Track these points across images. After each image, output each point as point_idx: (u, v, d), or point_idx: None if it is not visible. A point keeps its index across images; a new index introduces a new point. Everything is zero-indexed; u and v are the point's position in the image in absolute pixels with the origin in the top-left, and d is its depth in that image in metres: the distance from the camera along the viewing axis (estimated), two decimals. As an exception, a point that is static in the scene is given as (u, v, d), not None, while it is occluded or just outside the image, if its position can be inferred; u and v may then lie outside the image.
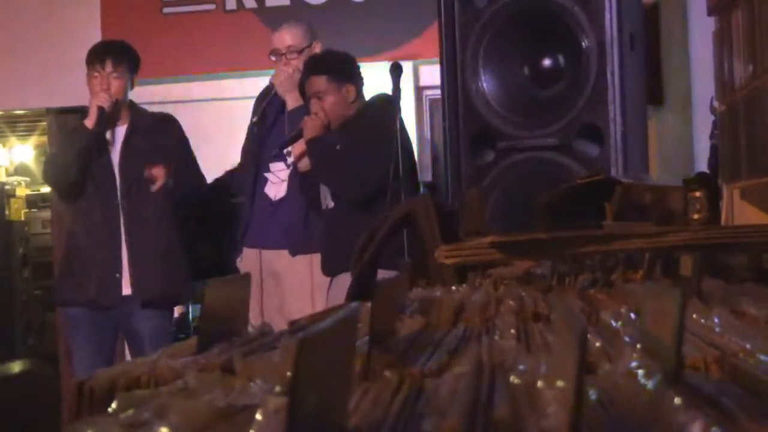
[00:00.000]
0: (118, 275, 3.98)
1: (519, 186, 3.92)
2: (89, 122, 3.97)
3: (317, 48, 4.24)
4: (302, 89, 4.13)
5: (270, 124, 4.26)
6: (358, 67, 4.09)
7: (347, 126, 3.96)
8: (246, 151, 4.29)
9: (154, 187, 3.96)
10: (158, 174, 3.97)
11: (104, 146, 4.04)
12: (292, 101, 4.15)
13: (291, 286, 4.11)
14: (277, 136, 4.19)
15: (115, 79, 4.02)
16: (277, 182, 4.21)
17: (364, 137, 3.88)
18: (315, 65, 4.01)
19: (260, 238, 4.19)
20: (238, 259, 4.27)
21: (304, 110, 4.11)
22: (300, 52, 4.20)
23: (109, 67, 4.02)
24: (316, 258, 4.03)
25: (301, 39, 4.24)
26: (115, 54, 4.05)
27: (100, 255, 3.99)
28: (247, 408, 0.86)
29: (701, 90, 4.53)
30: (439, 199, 3.82)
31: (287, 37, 4.25)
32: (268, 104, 4.26)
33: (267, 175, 4.22)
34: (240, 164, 4.32)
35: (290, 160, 4.17)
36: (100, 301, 3.98)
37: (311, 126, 3.95)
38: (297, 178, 4.11)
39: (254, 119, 4.22)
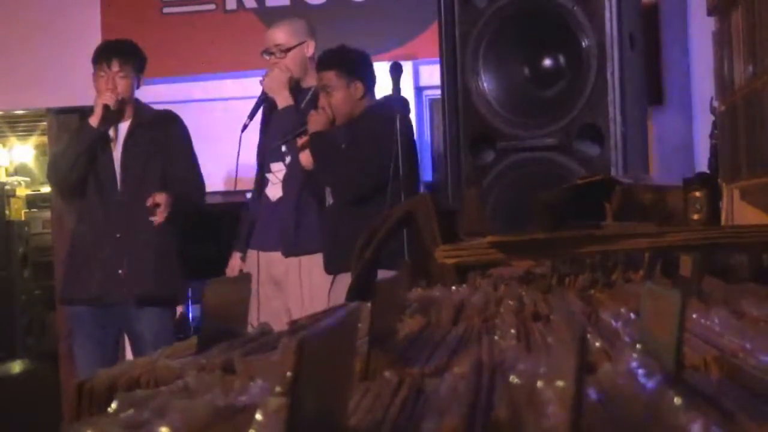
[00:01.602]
0: (120, 271, 3.99)
1: (519, 186, 3.92)
2: (94, 120, 3.98)
3: (309, 47, 4.22)
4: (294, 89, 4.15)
5: (266, 126, 4.26)
6: (371, 65, 4.08)
7: (353, 124, 3.96)
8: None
9: (156, 220, 3.94)
10: (160, 202, 3.94)
11: (107, 144, 4.05)
12: (282, 101, 4.15)
13: (288, 288, 4.11)
14: (274, 137, 4.19)
15: (121, 78, 4.03)
16: (276, 183, 4.20)
17: (368, 137, 3.88)
18: (325, 60, 4.01)
19: (260, 240, 4.19)
20: (243, 261, 4.26)
21: (293, 110, 4.11)
22: (287, 50, 4.19)
23: (115, 67, 4.03)
24: (309, 259, 4.02)
25: (289, 37, 4.21)
26: (121, 54, 4.06)
27: (102, 252, 4.00)
28: (247, 408, 0.86)
29: (701, 90, 4.53)
30: (439, 199, 3.82)
31: (276, 35, 4.24)
32: (263, 106, 4.25)
33: (268, 175, 4.22)
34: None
35: (288, 160, 4.16)
36: (105, 298, 3.99)
37: (315, 120, 3.95)
38: (299, 176, 4.10)
39: (245, 122, 4.21)
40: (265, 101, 4.24)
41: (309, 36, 4.26)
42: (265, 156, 4.23)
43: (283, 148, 4.16)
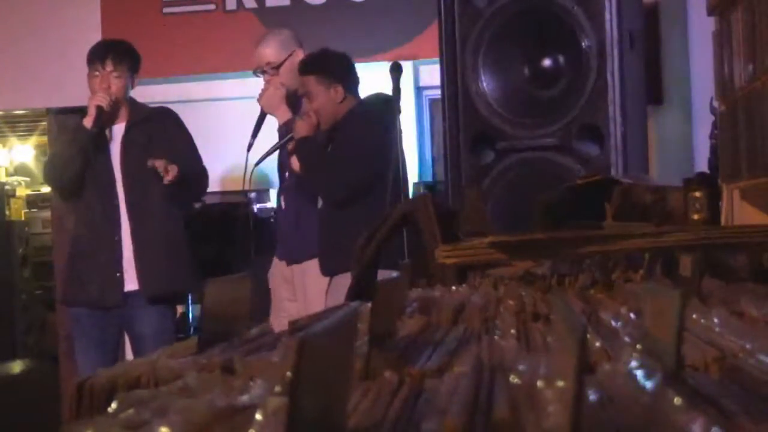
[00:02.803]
0: (119, 274, 3.98)
1: (519, 186, 3.92)
2: (87, 122, 3.97)
3: (298, 56, 4.22)
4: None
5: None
6: (351, 67, 4.07)
7: (337, 127, 3.97)
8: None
9: (167, 179, 3.90)
10: (165, 167, 3.92)
11: (103, 145, 4.04)
12: (281, 116, 4.16)
13: (295, 291, 4.12)
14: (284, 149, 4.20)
15: (115, 78, 4.02)
16: (284, 192, 4.22)
17: (350, 139, 3.89)
18: (305, 65, 4.03)
19: (278, 246, 4.21)
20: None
21: (293, 122, 4.12)
22: (278, 67, 4.19)
23: (109, 67, 4.02)
24: (307, 263, 4.03)
25: (276, 54, 4.21)
26: (115, 53, 4.05)
27: (101, 255, 3.99)
28: (247, 408, 0.86)
29: (701, 90, 4.53)
30: (439, 199, 3.82)
31: (264, 53, 4.24)
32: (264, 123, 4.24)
33: (283, 185, 4.24)
34: None
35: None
36: (104, 300, 3.98)
37: (301, 126, 3.98)
38: (296, 184, 4.11)
39: (250, 140, 4.20)
40: (265, 118, 4.23)
41: (297, 45, 4.26)
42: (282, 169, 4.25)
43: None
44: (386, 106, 3.82)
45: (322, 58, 4.03)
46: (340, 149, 3.91)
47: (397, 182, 3.67)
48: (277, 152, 4.24)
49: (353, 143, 3.86)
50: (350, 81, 4.03)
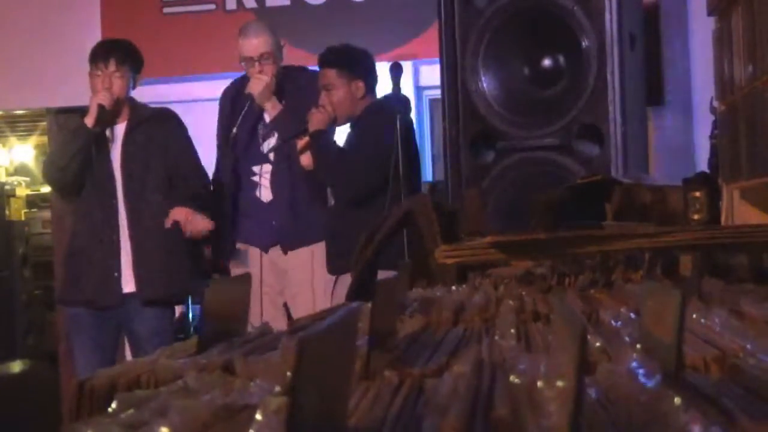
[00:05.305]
0: (116, 275, 3.97)
1: (519, 186, 3.92)
2: (89, 120, 3.96)
3: (285, 47, 4.21)
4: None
5: (249, 131, 4.20)
6: (373, 65, 4.05)
7: (354, 123, 3.96)
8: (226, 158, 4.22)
9: (168, 223, 3.94)
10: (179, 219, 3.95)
11: (104, 145, 4.03)
12: (272, 109, 4.10)
13: (293, 282, 4.10)
14: (256, 143, 4.15)
15: (117, 78, 4.01)
16: (266, 185, 4.16)
17: (368, 137, 3.87)
18: (328, 57, 3.98)
19: (258, 238, 4.16)
20: (233, 261, 4.22)
21: (285, 114, 4.07)
22: (273, 57, 4.13)
23: (112, 66, 4.01)
24: (315, 250, 4.01)
25: (272, 45, 4.13)
26: (118, 53, 4.04)
27: (98, 255, 3.98)
28: (247, 408, 0.86)
29: (701, 90, 4.53)
30: (439, 199, 3.82)
31: (255, 43, 4.12)
32: (245, 113, 4.14)
33: (254, 178, 4.17)
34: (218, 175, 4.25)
35: (272, 160, 4.12)
36: (99, 301, 3.97)
37: (317, 119, 3.93)
38: (288, 177, 4.09)
39: (234, 132, 4.15)
40: (250, 108, 4.13)
41: (276, 34, 4.21)
42: (248, 160, 4.18)
43: (264, 149, 4.13)
44: (402, 107, 3.81)
45: (346, 52, 4.00)
46: (358, 147, 3.88)
47: (397, 181, 3.66)
48: (255, 128, 4.18)
49: (373, 142, 3.83)
50: (371, 78, 4.01)
